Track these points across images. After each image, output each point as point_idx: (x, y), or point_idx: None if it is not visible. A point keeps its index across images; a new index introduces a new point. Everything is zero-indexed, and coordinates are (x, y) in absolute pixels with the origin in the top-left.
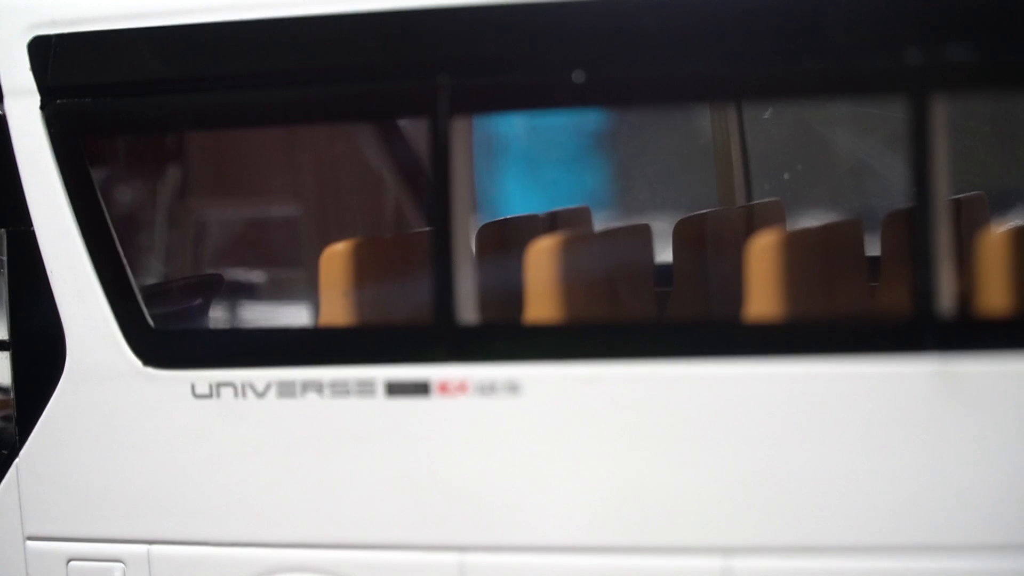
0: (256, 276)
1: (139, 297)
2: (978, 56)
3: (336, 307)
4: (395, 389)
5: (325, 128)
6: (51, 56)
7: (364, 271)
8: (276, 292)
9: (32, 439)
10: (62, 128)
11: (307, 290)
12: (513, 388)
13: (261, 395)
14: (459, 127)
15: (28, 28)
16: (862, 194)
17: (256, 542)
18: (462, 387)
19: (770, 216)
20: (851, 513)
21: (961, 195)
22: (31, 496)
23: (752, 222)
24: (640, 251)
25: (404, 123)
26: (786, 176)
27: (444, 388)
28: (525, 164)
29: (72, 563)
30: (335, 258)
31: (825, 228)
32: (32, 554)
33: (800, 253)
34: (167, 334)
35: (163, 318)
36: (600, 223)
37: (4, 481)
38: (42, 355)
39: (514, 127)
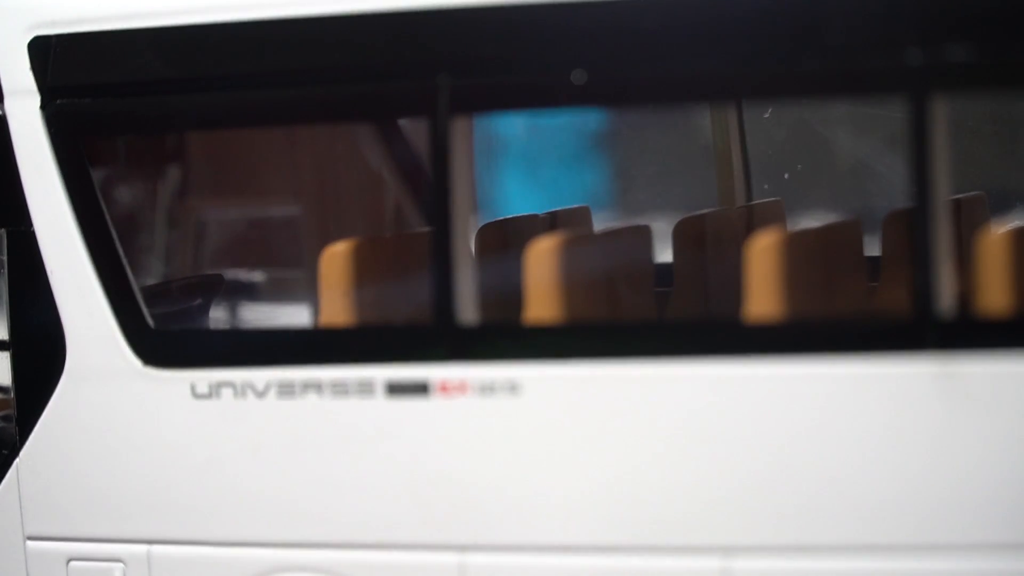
0: (256, 276)
1: (139, 297)
2: (978, 56)
3: (336, 307)
4: (395, 389)
5: (325, 128)
6: (51, 56)
7: (364, 271)
8: (276, 292)
9: (32, 439)
10: (62, 128)
11: (307, 290)
12: (513, 388)
13: (261, 395)
14: (459, 127)
15: (28, 28)
16: (862, 194)
17: (256, 542)
18: (462, 387)
19: (770, 216)
20: (851, 513)
21: (961, 195)
22: (31, 496)
23: (752, 222)
24: (640, 251)
25: (404, 123)
26: (786, 176)
27: (444, 388)
28: (525, 164)
29: (72, 563)
30: (335, 258)
31: (825, 228)
32: (32, 554)
33: (800, 253)
34: (167, 334)
35: (163, 318)
36: (600, 223)
37: (4, 481)
38: (42, 355)
39: (514, 127)
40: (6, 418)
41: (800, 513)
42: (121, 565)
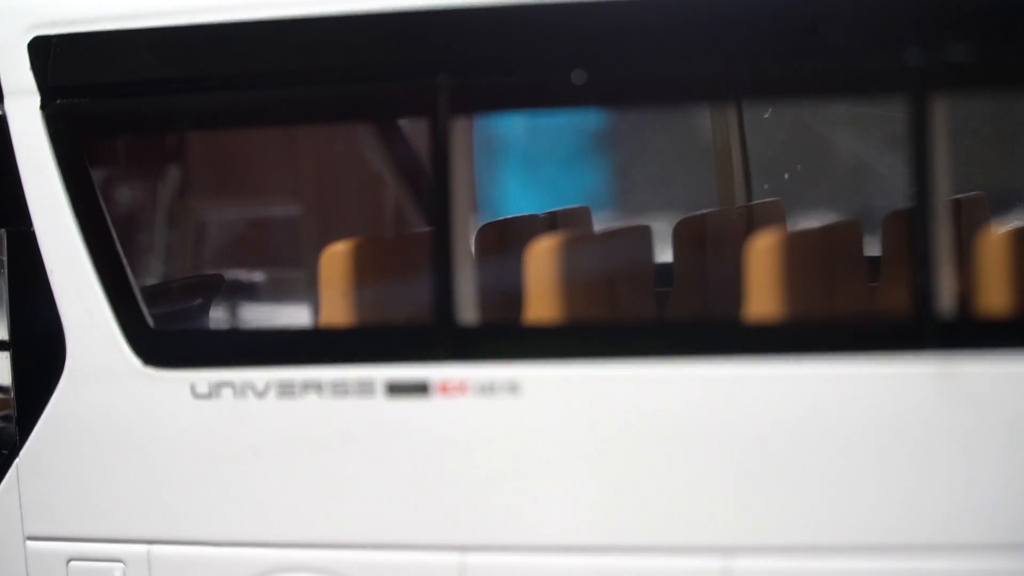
0: (256, 276)
1: (139, 297)
2: (978, 56)
3: (336, 307)
4: (395, 389)
5: (325, 128)
6: (51, 56)
7: (364, 271)
8: (276, 292)
9: (32, 439)
10: (62, 128)
11: (307, 290)
12: (513, 388)
13: (261, 395)
14: (459, 127)
15: (28, 28)
16: (862, 194)
17: (256, 542)
18: (462, 387)
19: (770, 216)
20: (851, 513)
21: (961, 195)
22: (31, 496)
23: (752, 222)
24: (640, 251)
25: (404, 123)
26: (786, 176)
27: (444, 388)
28: (525, 164)
29: (72, 563)
30: (335, 258)
31: (825, 228)
32: (32, 554)
33: (800, 253)
34: (167, 334)
35: (163, 318)
36: (600, 223)
37: (4, 481)
38: (42, 355)
39: (514, 127)
40: (6, 418)
41: (800, 513)
42: (121, 565)
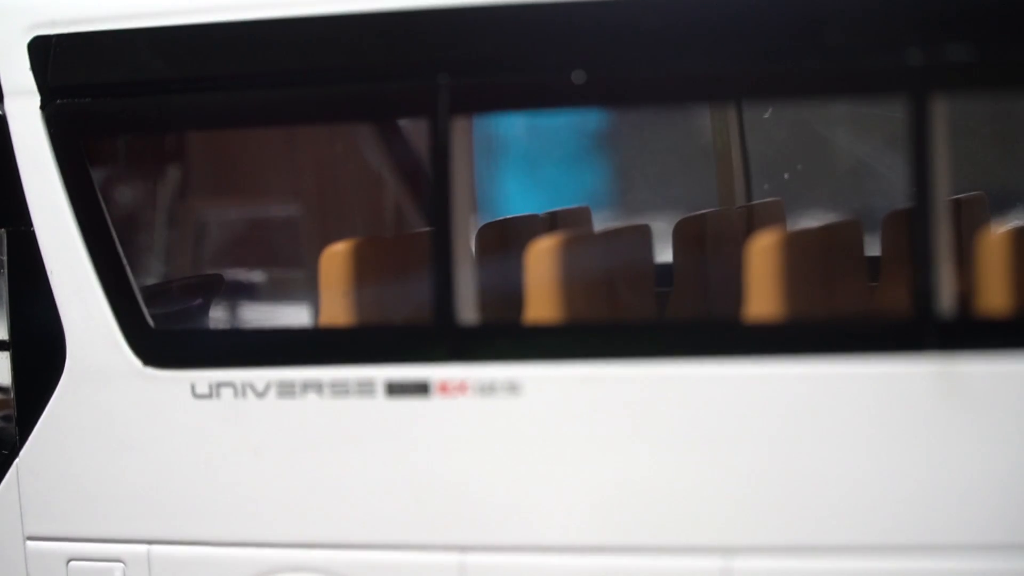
0: (256, 276)
1: (139, 297)
2: (978, 56)
3: (336, 307)
4: (395, 389)
5: (325, 128)
6: (51, 56)
7: (364, 271)
8: (276, 292)
9: (32, 439)
10: (62, 128)
11: (307, 290)
12: (513, 388)
13: (261, 395)
14: (459, 127)
15: (28, 28)
16: (862, 194)
17: (256, 542)
18: (462, 387)
19: (770, 216)
20: (851, 513)
21: (961, 195)
22: (31, 496)
23: (752, 222)
24: (640, 251)
25: (404, 123)
26: (786, 176)
27: (444, 388)
28: (525, 164)
29: (72, 563)
30: (335, 258)
31: (825, 228)
32: (32, 554)
33: (800, 253)
34: (167, 334)
35: (163, 318)
36: (600, 223)
37: (4, 481)
38: (42, 355)
39: (514, 127)
40: (6, 418)
41: (800, 513)
42: (121, 565)
